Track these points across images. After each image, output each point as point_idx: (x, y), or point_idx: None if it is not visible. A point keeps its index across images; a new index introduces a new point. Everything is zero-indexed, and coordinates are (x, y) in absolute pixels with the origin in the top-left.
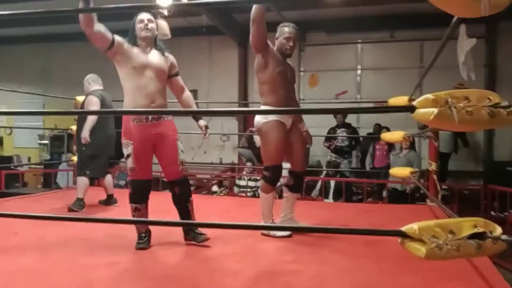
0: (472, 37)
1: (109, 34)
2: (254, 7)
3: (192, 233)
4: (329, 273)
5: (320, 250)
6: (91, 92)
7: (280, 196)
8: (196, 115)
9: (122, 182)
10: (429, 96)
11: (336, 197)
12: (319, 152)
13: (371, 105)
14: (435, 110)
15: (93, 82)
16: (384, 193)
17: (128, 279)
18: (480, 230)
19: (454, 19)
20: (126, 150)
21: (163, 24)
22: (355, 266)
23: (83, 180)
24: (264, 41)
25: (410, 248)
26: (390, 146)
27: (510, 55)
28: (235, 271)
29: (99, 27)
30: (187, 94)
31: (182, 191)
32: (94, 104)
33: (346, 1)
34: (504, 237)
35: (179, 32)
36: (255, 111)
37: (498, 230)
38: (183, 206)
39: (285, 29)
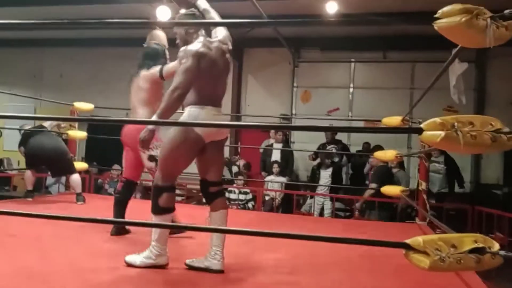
0: (463, 61)
1: None
2: None
3: None
4: (326, 285)
5: (316, 261)
6: None
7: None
8: None
9: (111, 190)
10: (437, 119)
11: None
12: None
13: (362, 123)
14: (442, 133)
15: None
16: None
17: (130, 285)
18: (480, 245)
19: (458, 47)
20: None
21: (161, 35)
22: (351, 278)
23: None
24: None
25: (414, 260)
26: None
27: (499, 80)
28: (236, 279)
29: None
30: None
31: None
32: None
33: (341, 21)
34: (502, 252)
35: (174, 42)
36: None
37: (496, 246)
38: None
39: None
